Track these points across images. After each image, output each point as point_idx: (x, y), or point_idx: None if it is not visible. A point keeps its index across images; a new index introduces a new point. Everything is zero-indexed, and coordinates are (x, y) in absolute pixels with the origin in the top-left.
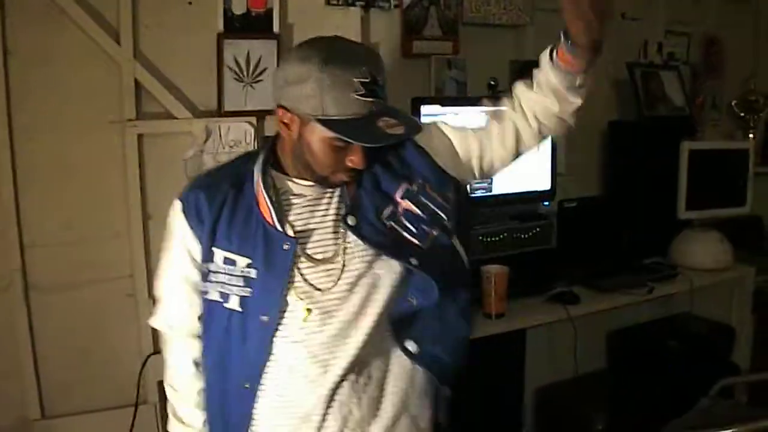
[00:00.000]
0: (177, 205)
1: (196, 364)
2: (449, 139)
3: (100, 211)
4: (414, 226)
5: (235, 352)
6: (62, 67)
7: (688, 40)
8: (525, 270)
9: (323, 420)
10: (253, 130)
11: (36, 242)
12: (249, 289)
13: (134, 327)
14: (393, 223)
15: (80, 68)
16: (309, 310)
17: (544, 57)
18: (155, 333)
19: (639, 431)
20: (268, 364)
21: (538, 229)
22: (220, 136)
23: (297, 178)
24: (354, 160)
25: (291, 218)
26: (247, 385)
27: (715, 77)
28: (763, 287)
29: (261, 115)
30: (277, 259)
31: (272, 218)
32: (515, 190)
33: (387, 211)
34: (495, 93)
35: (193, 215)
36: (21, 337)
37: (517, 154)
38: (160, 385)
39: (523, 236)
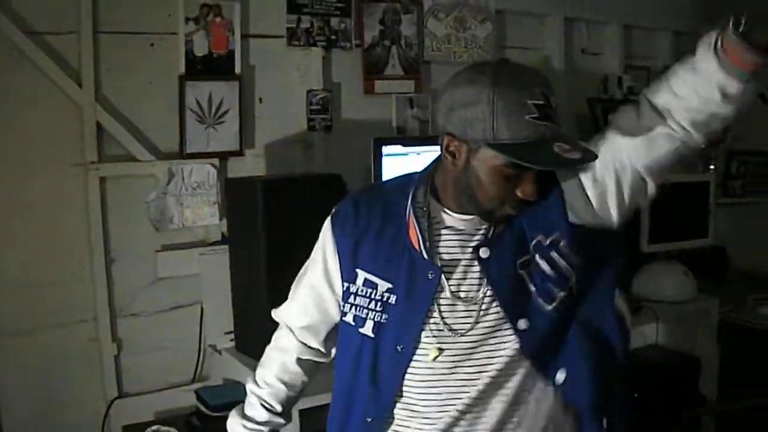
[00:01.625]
0: (327, 222)
1: (297, 360)
2: (582, 186)
3: (62, 254)
4: (542, 284)
5: (363, 383)
6: (23, 110)
7: (647, 74)
8: None
9: None
10: (216, 172)
11: None
12: (386, 316)
13: (98, 371)
14: (525, 273)
15: (42, 111)
16: (440, 349)
17: (704, 47)
18: (119, 377)
19: None
20: (396, 398)
21: None
22: (183, 178)
23: (453, 211)
24: (525, 189)
25: (440, 249)
26: (369, 419)
27: None
28: (728, 317)
29: (224, 156)
30: (419, 288)
31: (420, 245)
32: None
33: (523, 259)
34: None
35: (339, 225)
36: None
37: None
38: (125, 429)
39: None
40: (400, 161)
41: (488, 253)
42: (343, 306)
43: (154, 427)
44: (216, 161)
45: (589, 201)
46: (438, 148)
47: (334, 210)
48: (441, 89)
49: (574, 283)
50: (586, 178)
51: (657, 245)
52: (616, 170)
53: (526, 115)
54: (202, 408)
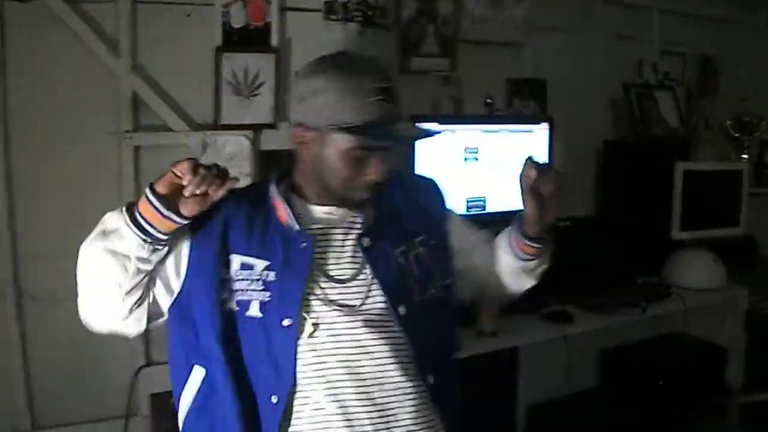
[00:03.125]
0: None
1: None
2: (465, 231)
3: (95, 222)
4: (420, 274)
5: (261, 364)
6: (60, 79)
7: (683, 60)
8: None
9: None
10: (249, 144)
11: (29, 253)
12: (268, 293)
13: (126, 339)
14: (403, 262)
15: (78, 80)
16: (315, 325)
17: (502, 238)
18: (147, 345)
19: None
20: (298, 376)
21: None
22: (217, 149)
23: (317, 204)
24: (376, 170)
25: (311, 228)
26: (275, 400)
27: (710, 97)
28: (756, 307)
29: (258, 128)
30: (295, 260)
31: (289, 219)
32: (509, 209)
33: (401, 248)
34: (492, 111)
35: (198, 222)
36: (12, 348)
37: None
38: (152, 397)
39: None
40: (435, 138)
41: (370, 242)
42: (223, 294)
43: None
44: (250, 133)
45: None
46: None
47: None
48: (291, 83)
49: (442, 289)
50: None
51: (687, 233)
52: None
53: (369, 97)
54: None
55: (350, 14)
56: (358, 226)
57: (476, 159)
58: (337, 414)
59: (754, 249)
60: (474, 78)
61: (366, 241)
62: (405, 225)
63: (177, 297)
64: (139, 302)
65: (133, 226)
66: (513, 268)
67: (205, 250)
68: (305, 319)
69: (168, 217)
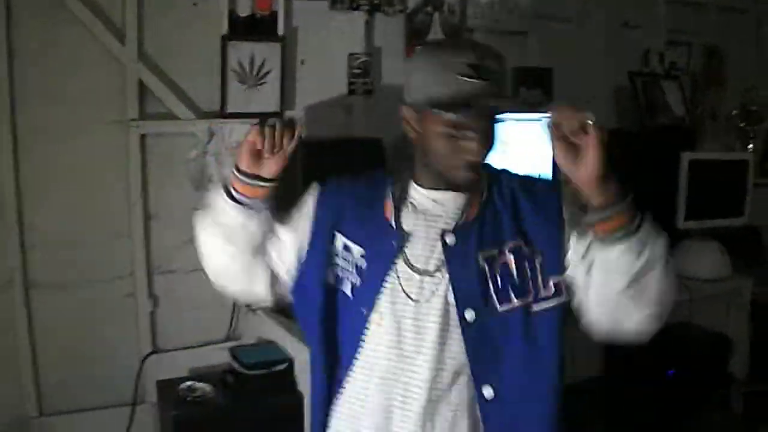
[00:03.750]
0: (314, 186)
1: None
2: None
3: (102, 211)
4: (502, 283)
5: (340, 338)
6: (67, 67)
7: (689, 50)
8: None
9: None
10: None
11: (37, 241)
12: (359, 279)
13: (133, 326)
14: (485, 267)
15: (85, 68)
16: (382, 315)
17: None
18: (154, 333)
19: None
20: (355, 360)
21: None
22: (223, 137)
23: (426, 187)
24: (469, 148)
25: (405, 222)
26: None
27: (716, 87)
28: (761, 298)
29: (264, 117)
30: (383, 254)
31: (391, 217)
32: None
33: (489, 253)
34: None
35: (322, 195)
36: (20, 335)
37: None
38: (159, 384)
39: None
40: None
41: (454, 240)
42: (326, 267)
43: (189, 383)
44: (255, 122)
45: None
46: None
47: (323, 183)
48: None
49: (534, 303)
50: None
51: (692, 222)
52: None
53: (458, 74)
54: (236, 366)
55: (357, 3)
56: (453, 219)
57: None
58: (378, 403)
59: (759, 239)
60: None
61: (450, 239)
62: (500, 229)
63: (305, 263)
64: (253, 263)
65: (228, 198)
66: (602, 264)
67: (324, 225)
68: (376, 304)
69: (254, 184)
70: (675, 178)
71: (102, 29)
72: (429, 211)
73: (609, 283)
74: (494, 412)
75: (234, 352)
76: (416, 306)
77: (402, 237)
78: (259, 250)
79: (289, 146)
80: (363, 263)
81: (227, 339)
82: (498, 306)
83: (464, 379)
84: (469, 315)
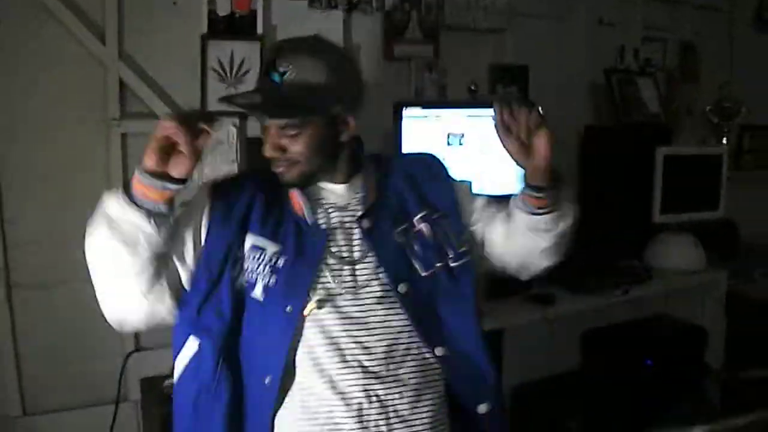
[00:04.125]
0: (207, 183)
1: None
2: (474, 202)
3: (84, 209)
4: (421, 251)
5: (256, 345)
6: (47, 67)
7: (664, 46)
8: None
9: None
10: (236, 131)
11: (19, 241)
12: (274, 278)
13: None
14: (403, 241)
15: (65, 68)
16: (320, 301)
17: (514, 198)
18: (137, 331)
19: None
20: (291, 359)
21: None
22: None
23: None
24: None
25: (319, 216)
26: (267, 380)
27: (691, 83)
28: (735, 290)
29: (244, 116)
30: (307, 251)
31: (303, 213)
32: (493, 193)
33: (401, 228)
34: (475, 97)
35: (220, 196)
36: (2, 335)
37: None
38: (142, 382)
39: None
40: (420, 123)
41: (370, 223)
42: (233, 272)
43: (172, 381)
44: (236, 120)
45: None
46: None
47: (213, 181)
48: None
49: (451, 261)
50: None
51: (668, 216)
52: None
53: (262, 73)
54: None
55: (335, 1)
56: (360, 206)
57: (461, 143)
58: (332, 395)
59: (735, 233)
60: (457, 64)
61: (365, 223)
62: (405, 205)
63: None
64: (154, 280)
65: (132, 205)
66: (525, 225)
67: (224, 227)
68: (310, 298)
69: (162, 186)
70: (650, 173)
71: (82, 29)
72: (334, 203)
73: (529, 241)
74: (450, 367)
75: None
76: (354, 294)
77: (325, 233)
78: (161, 264)
79: (204, 142)
80: (280, 262)
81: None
82: (423, 272)
83: (416, 347)
84: (402, 288)
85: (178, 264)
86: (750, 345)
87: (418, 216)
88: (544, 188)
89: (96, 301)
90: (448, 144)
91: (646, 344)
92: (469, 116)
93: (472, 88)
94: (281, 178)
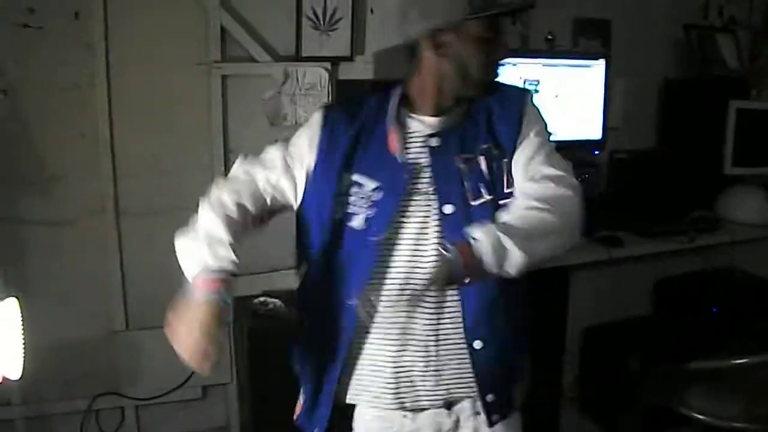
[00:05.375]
0: (318, 115)
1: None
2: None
3: (186, 145)
4: (474, 181)
5: (346, 269)
6: (157, 12)
7: (750, 4)
8: None
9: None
10: (327, 75)
11: (127, 172)
12: (372, 211)
13: None
14: (463, 168)
15: (172, 13)
16: (392, 239)
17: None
18: None
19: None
20: (371, 285)
21: (586, 176)
22: (297, 79)
23: (426, 115)
24: (499, 48)
25: (410, 153)
26: (350, 302)
27: None
28: None
29: (335, 60)
30: (396, 186)
31: (398, 149)
32: (567, 138)
33: (466, 156)
34: (552, 46)
35: (329, 125)
36: (111, 257)
37: None
38: (235, 300)
39: None
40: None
41: (438, 142)
42: (330, 205)
43: (262, 298)
44: (328, 65)
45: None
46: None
47: (323, 111)
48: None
49: (499, 198)
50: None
51: (739, 168)
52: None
53: None
54: None
55: None
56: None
57: (536, 91)
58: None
59: None
60: (541, 17)
61: (434, 142)
62: (477, 135)
63: (305, 193)
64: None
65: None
66: None
67: (329, 164)
68: (392, 229)
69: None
70: (723, 126)
71: None
72: (422, 133)
73: None
74: (476, 290)
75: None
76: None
77: (412, 171)
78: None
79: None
80: (378, 196)
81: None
82: (472, 201)
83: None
84: (448, 209)
85: (275, 190)
86: None
87: (482, 148)
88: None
89: None
90: None
91: (715, 294)
92: (545, 65)
93: (549, 38)
94: (477, 95)
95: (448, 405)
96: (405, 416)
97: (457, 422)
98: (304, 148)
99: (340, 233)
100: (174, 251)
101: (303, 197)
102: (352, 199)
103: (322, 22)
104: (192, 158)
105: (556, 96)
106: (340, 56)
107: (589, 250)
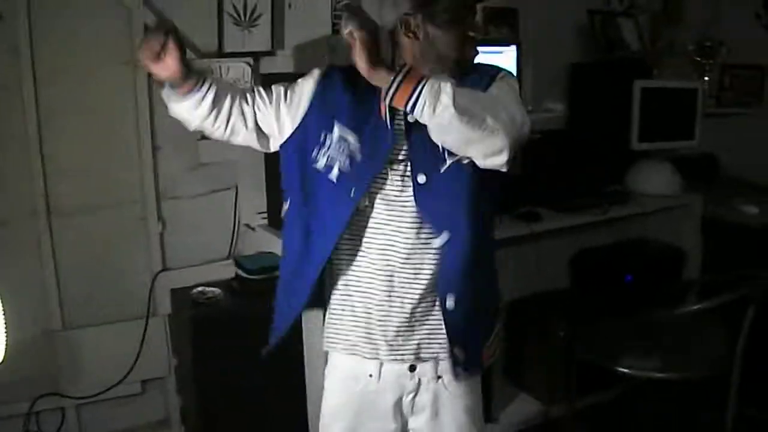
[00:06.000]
0: (318, 70)
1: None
2: None
3: (114, 143)
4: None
5: (323, 220)
6: (79, 15)
7: None
8: None
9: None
10: (250, 70)
11: (57, 172)
12: (348, 166)
13: (145, 246)
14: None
15: (95, 13)
16: (370, 200)
17: None
18: (164, 253)
19: (600, 337)
20: (344, 240)
21: None
22: (221, 74)
23: None
24: (477, 26)
25: (398, 122)
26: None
27: (674, 24)
28: (712, 213)
29: (257, 55)
30: (379, 150)
31: (385, 116)
32: None
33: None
34: None
35: (323, 87)
36: (45, 257)
37: None
38: (173, 292)
39: None
40: None
41: (413, 119)
42: (315, 153)
43: (200, 289)
44: (250, 60)
45: None
46: None
47: (328, 66)
48: None
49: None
50: None
51: (645, 144)
52: None
53: None
54: (241, 272)
55: None
56: None
57: None
58: (379, 267)
59: (714, 165)
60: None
61: (411, 118)
62: None
63: (292, 135)
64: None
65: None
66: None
67: (320, 115)
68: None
69: (173, 91)
70: (629, 104)
71: None
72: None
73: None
74: (451, 251)
75: (238, 261)
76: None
77: (394, 139)
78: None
79: (171, 44)
80: (357, 155)
81: (229, 256)
82: (442, 168)
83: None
84: (421, 178)
85: (261, 113)
86: (727, 266)
87: None
88: (389, 89)
89: (127, 225)
90: None
91: (629, 264)
92: None
93: None
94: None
95: (412, 367)
96: (371, 375)
97: (418, 384)
98: (303, 95)
99: (318, 182)
100: (105, 249)
101: (287, 139)
102: (332, 152)
103: (243, 17)
104: (121, 156)
105: None
106: (262, 51)
107: (511, 226)
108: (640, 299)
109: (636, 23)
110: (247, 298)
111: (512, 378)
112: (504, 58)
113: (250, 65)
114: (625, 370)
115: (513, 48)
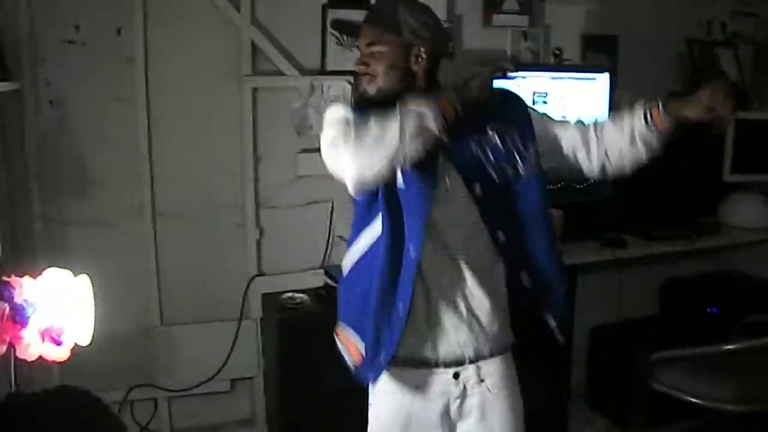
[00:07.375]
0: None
1: None
2: (548, 125)
3: (218, 152)
4: (494, 158)
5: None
6: (191, 31)
7: (755, 21)
8: (579, 218)
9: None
10: (350, 87)
11: (163, 177)
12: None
13: (242, 252)
14: (478, 150)
15: (205, 31)
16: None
17: (639, 111)
18: (259, 259)
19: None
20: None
21: (592, 182)
22: (323, 91)
23: None
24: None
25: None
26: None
27: None
28: None
29: (356, 76)
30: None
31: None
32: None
33: (476, 137)
34: (560, 61)
35: None
36: (147, 258)
37: (578, 170)
38: (264, 296)
39: (578, 186)
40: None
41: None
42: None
43: (289, 294)
44: (351, 78)
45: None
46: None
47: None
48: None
49: (520, 165)
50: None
51: (738, 176)
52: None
53: None
54: (329, 280)
55: None
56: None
57: (545, 102)
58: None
59: None
60: (551, 33)
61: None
62: (483, 123)
63: None
64: None
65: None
66: (635, 131)
67: None
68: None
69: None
70: (722, 135)
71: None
72: None
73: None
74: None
75: (327, 270)
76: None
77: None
78: None
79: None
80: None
81: (322, 266)
82: (495, 178)
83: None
84: (477, 189)
85: None
86: None
87: (493, 128)
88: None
89: (226, 230)
90: (533, 102)
91: (716, 295)
92: (552, 78)
93: (556, 53)
94: (363, 91)
95: (456, 374)
96: (417, 387)
97: (464, 391)
98: None
99: (394, 193)
100: (204, 253)
101: None
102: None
103: (345, 38)
104: (224, 166)
105: (564, 107)
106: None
107: (595, 252)
108: (724, 331)
109: (735, 54)
110: (332, 306)
111: (591, 401)
112: (596, 85)
113: (350, 83)
114: (698, 401)
115: (605, 75)
